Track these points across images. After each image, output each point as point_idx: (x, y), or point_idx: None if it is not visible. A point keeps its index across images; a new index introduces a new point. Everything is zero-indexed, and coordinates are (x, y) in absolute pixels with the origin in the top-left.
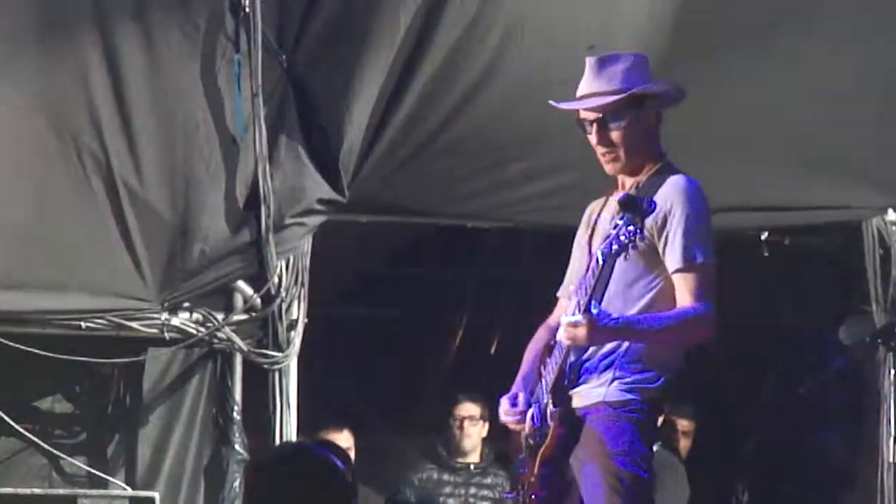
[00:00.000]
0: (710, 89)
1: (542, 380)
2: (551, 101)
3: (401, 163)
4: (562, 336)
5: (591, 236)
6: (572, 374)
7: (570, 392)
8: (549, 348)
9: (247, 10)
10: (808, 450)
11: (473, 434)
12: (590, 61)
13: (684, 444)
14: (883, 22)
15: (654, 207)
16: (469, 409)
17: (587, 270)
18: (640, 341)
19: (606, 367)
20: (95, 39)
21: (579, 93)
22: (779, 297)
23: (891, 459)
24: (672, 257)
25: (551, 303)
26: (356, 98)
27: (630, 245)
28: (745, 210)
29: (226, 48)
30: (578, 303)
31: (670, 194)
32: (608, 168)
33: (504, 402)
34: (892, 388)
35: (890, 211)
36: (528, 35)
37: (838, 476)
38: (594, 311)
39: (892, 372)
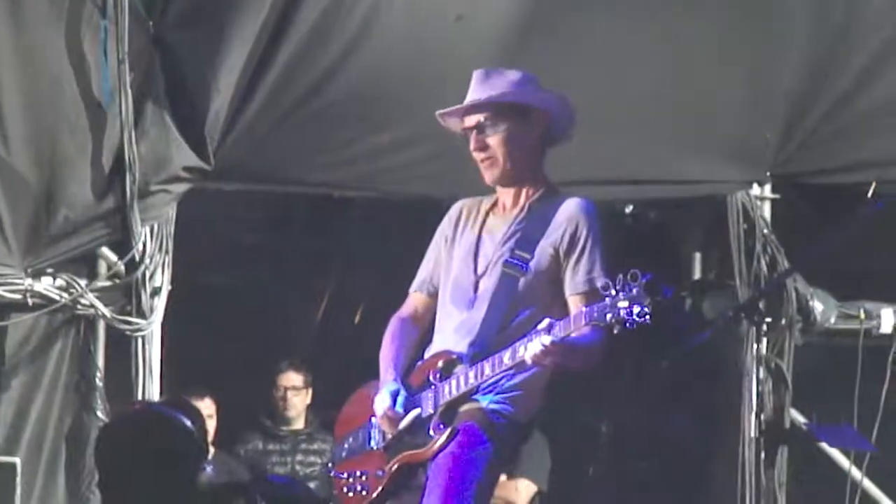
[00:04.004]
0: (577, 60)
1: (433, 390)
2: (436, 113)
3: (267, 131)
4: (529, 355)
5: (476, 248)
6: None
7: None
8: (451, 361)
9: None
10: (670, 425)
11: (297, 403)
12: (476, 74)
13: None
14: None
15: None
16: (291, 378)
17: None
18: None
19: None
20: None
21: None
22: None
23: (752, 434)
24: (574, 280)
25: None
26: (223, 65)
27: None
28: (611, 183)
29: (92, 14)
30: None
31: (574, 215)
32: (487, 176)
33: (385, 398)
34: (754, 363)
35: (755, 185)
36: (396, 4)
37: (699, 451)
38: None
39: (755, 346)
